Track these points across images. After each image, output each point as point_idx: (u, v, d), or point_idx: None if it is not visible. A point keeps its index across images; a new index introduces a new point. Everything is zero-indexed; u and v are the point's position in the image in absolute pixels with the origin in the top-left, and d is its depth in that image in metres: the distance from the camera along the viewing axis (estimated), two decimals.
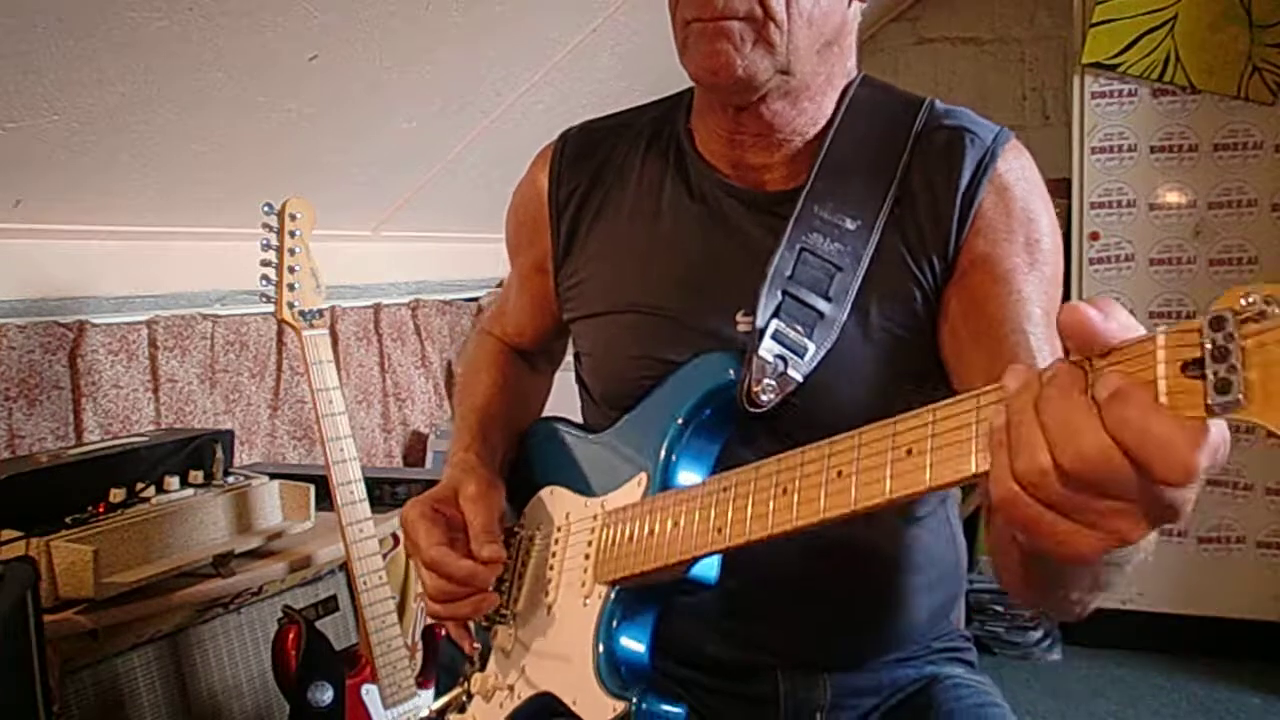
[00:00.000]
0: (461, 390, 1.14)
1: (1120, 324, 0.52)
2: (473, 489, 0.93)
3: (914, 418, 0.63)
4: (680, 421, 0.87)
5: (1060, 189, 2.92)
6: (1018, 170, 0.91)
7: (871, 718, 0.98)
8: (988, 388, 0.58)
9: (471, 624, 0.97)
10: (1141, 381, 0.49)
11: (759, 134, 0.92)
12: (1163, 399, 0.48)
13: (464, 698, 0.97)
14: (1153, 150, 2.83)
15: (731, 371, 0.87)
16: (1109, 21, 2.79)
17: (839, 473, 0.67)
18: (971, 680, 1.00)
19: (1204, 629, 2.85)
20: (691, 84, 1.03)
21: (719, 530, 0.75)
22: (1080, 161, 2.89)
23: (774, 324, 0.87)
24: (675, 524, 0.79)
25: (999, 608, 2.93)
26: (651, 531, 0.81)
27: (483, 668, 0.97)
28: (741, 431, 0.90)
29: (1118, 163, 2.86)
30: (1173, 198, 2.83)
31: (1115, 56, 2.80)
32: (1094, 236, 2.89)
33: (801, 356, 0.86)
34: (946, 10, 3.55)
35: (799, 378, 0.86)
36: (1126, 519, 0.52)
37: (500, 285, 2.82)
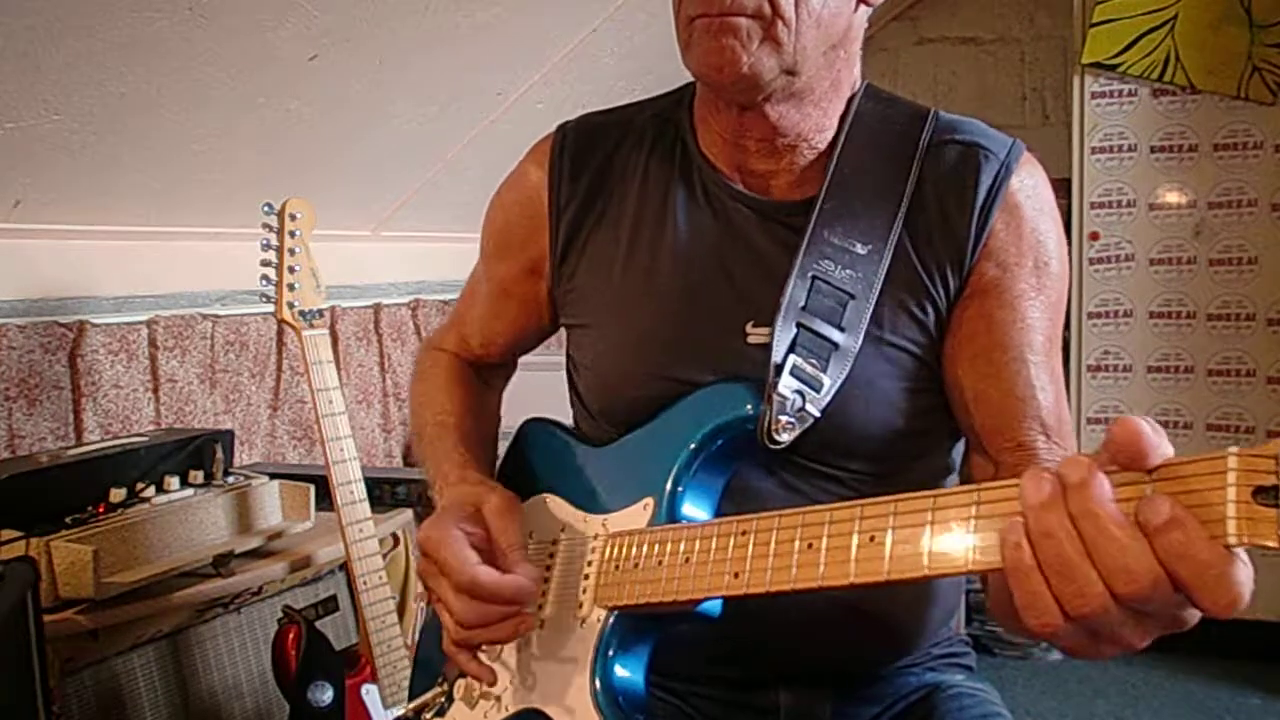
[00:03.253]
0: (421, 410, 1.07)
1: (1167, 443, 0.53)
2: (496, 502, 0.87)
3: (958, 494, 0.61)
4: (693, 448, 0.85)
5: (1060, 189, 2.90)
6: (1030, 188, 0.90)
7: None
8: (1034, 473, 0.57)
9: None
10: (1202, 503, 0.50)
11: (762, 138, 0.90)
12: (1230, 523, 0.48)
13: (444, 700, 0.94)
14: (1153, 150, 2.83)
15: (750, 406, 0.84)
16: (1109, 21, 2.79)
17: (871, 537, 0.65)
18: (973, 688, 0.99)
19: (1204, 629, 2.85)
20: (691, 80, 1.02)
21: (735, 575, 0.73)
22: (1080, 161, 2.89)
23: (791, 359, 0.85)
24: (687, 560, 0.77)
25: None
26: (660, 563, 0.79)
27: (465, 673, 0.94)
28: (752, 460, 0.89)
29: (1118, 163, 2.86)
30: (1173, 198, 2.83)
31: (1115, 56, 2.80)
32: (1094, 236, 2.89)
33: (818, 391, 0.85)
34: (946, 10, 3.55)
35: (817, 413, 0.85)
36: (1148, 633, 0.55)
37: None
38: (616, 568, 0.83)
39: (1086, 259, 2.90)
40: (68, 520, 1.40)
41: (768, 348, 0.87)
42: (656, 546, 0.80)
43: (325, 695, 1.56)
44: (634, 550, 0.82)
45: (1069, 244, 2.85)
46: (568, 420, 1.06)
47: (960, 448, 1.00)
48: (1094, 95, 2.86)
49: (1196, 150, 2.79)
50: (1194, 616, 0.53)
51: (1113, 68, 2.81)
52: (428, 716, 0.95)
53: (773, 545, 0.71)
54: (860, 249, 0.88)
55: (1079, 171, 2.89)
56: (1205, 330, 2.82)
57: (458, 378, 1.11)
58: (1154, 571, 0.51)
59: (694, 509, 0.85)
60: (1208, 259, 2.81)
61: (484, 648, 0.90)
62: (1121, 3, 2.77)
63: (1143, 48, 2.77)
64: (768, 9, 0.81)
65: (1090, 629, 0.54)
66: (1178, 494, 0.51)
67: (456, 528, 0.84)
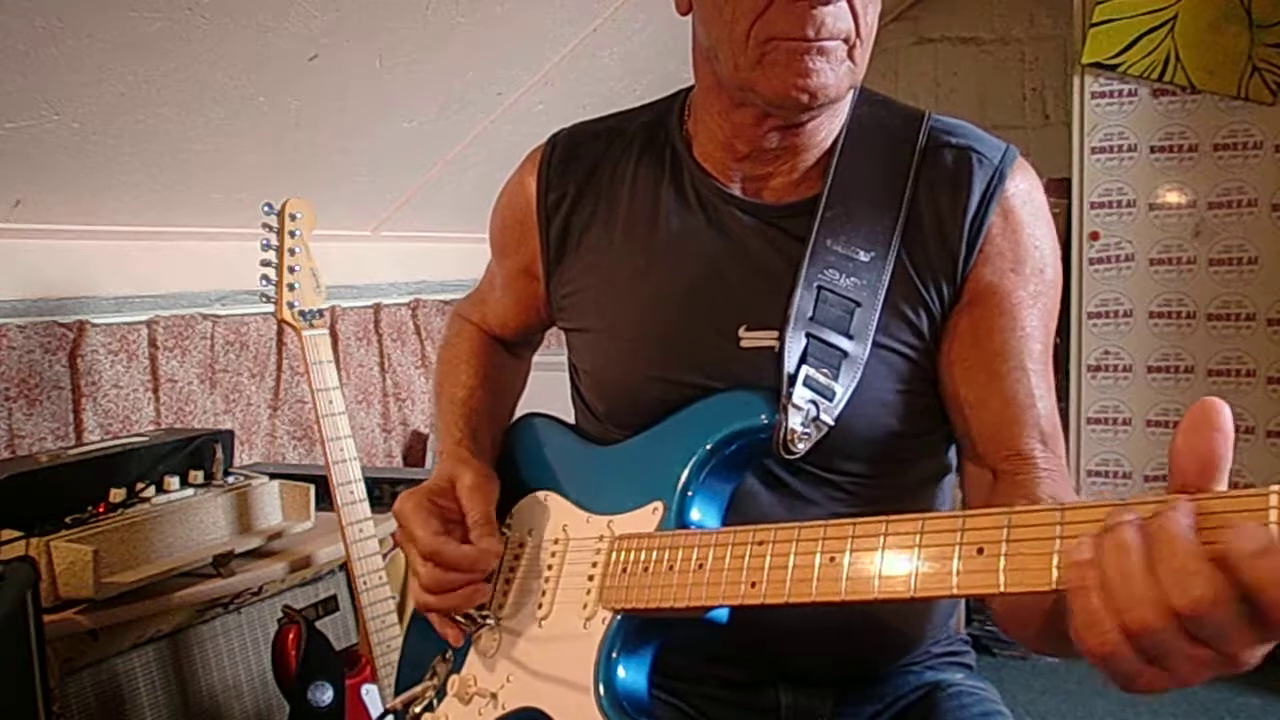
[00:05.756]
0: (442, 380, 1.12)
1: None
2: (469, 479, 0.92)
3: (985, 515, 0.61)
4: (705, 454, 0.85)
5: (1060, 189, 2.92)
6: (1024, 193, 0.90)
7: None
8: (1071, 503, 0.57)
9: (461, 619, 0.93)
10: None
11: (786, 147, 0.90)
12: None
13: (432, 694, 0.94)
14: (1153, 150, 2.83)
15: (765, 417, 0.84)
16: (1109, 21, 2.79)
17: (897, 554, 0.65)
18: (973, 687, 0.99)
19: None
20: (680, 88, 1.03)
21: (753, 585, 0.72)
22: (1080, 161, 2.89)
23: (804, 370, 0.85)
24: (700, 566, 0.76)
25: None
26: (671, 568, 0.78)
27: (458, 668, 0.94)
28: (761, 467, 0.89)
29: (1118, 163, 2.86)
30: (1173, 198, 2.83)
31: (1115, 56, 2.80)
32: (1094, 236, 2.89)
33: (831, 400, 0.85)
34: (946, 10, 3.55)
35: (831, 421, 0.85)
36: (1206, 668, 0.52)
37: None
38: (624, 570, 0.83)
39: (1086, 259, 2.90)
40: (68, 520, 1.40)
41: (764, 352, 0.88)
42: (668, 552, 0.80)
43: (325, 695, 1.56)
44: (643, 554, 0.82)
45: (1069, 244, 2.86)
46: (569, 420, 1.07)
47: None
48: (1094, 95, 2.85)
49: (1196, 150, 2.79)
50: (1254, 657, 0.52)
51: (1113, 68, 2.81)
52: (416, 710, 0.94)
53: (792, 557, 0.70)
54: (863, 256, 0.88)
55: (1079, 171, 2.89)
56: (1205, 330, 2.82)
57: (477, 349, 1.14)
58: (1219, 588, 0.49)
59: (703, 515, 0.85)
60: (1208, 259, 2.81)
61: (482, 639, 0.92)
62: (1121, 3, 2.77)
63: (1143, 48, 2.77)
64: (854, 31, 0.82)
65: (1146, 651, 0.53)
66: (1216, 529, 0.51)
67: (428, 500, 0.91)
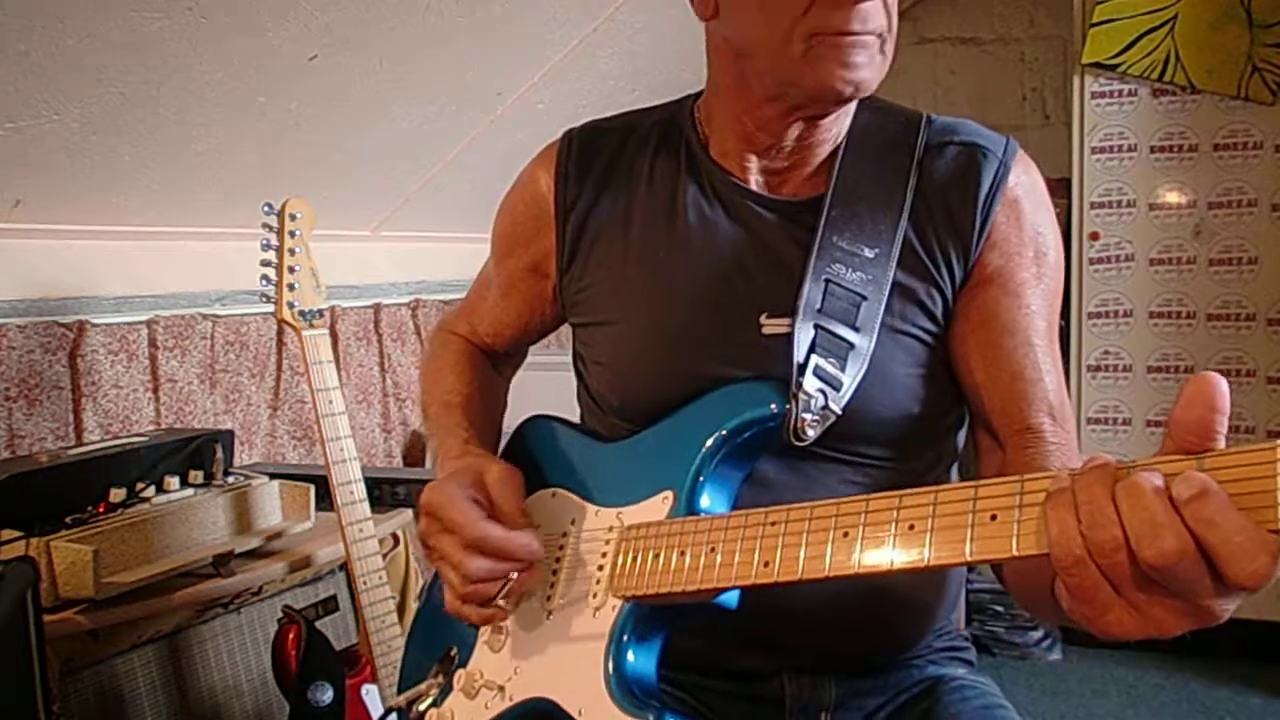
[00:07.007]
0: (431, 389, 1.11)
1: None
2: (497, 472, 0.89)
3: (998, 484, 0.63)
4: (717, 442, 0.86)
5: (1060, 189, 2.92)
6: (1027, 183, 0.94)
7: (877, 718, 0.99)
8: (1083, 468, 0.58)
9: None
10: (1252, 491, 0.51)
11: (803, 143, 0.94)
12: None
13: (437, 691, 0.94)
14: (1153, 150, 2.83)
15: (774, 405, 0.86)
16: (1109, 21, 2.79)
17: (911, 526, 0.66)
18: (975, 682, 1.01)
19: (1204, 629, 2.85)
20: (683, 91, 1.04)
21: (765, 564, 0.73)
22: (1080, 161, 2.89)
23: (813, 359, 0.88)
24: (713, 550, 0.77)
25: (999, 608, 2.93)
26: (683, 553, 0.79)
27: (464, 662, 0.94)
28: (776, 451, 0.90)
29: (1118, 163, 2.86)
30: (1173, 198, 2.83)
31: (1115, 56, 2.80)
32: (1094, 236, 2.89)
33: (839, 390, 0.88)
34: (946, 10, 3.55)
35: (839, 410, 0.87)
36: (1174, 615, 0.55)
37: None
38: (635, 558, 0.83)
39: (1086, 259, 2.90)
40: (68, 520, 1.40)
41: (784, 338, 0.90)
42: (679, 538, 0.81)
43: (325, 695, 1.56)
44: (653, 541, 0.83)
45: (1069, 244, 2.86)
46: (572, 419, 1.07)
47: (962, 435, 1.02)
48: (1094, 95, 2.85)
49: (1196, 150, 2.79)
50: (1225, 607, 0.54)
51: (1113, 68, 2.81)
52: (420, 708, 0.94)
53: (805, 535, 0.72)
54: (868, 253, 0.91)
55: (1079, 171, 2.89)
56: (1205, 330, 2.82)
57: (467, 360, 1.14)
58: (1182, 542, 0.51)
59: (712, 503, 0.86)
60: (1208, 259, 2.81)
61: (487, 632, 0.92)
62: (1121, 3, 2.77)
63: (1143, 48, 2.77)
64: (886, 26, 0.86)
65: (1115, 583, 0.55)
66: (1227, 481, 0.52)
67: (461, 489, 0.87)
